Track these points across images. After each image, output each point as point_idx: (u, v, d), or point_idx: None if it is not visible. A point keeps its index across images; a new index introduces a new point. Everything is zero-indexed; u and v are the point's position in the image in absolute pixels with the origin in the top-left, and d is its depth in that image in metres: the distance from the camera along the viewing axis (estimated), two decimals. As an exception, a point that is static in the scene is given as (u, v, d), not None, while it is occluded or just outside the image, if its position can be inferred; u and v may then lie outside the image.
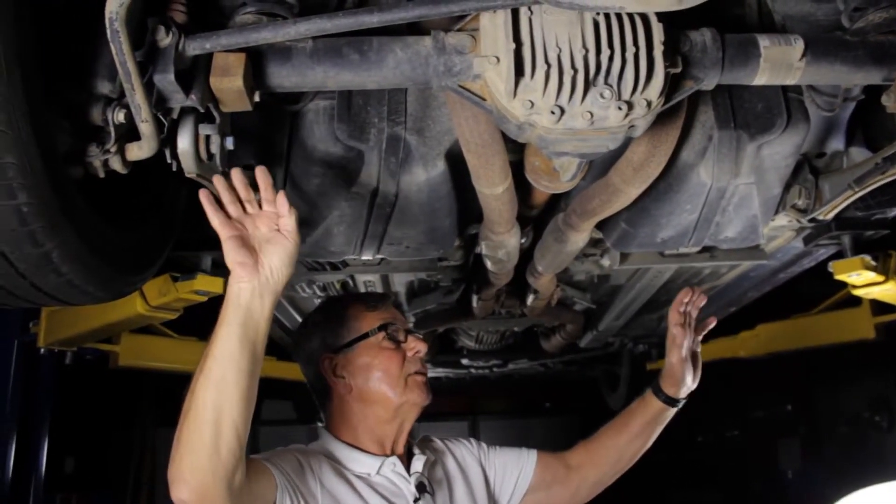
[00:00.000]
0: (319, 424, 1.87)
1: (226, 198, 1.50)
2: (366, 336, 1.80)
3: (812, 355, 4.73)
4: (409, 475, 1.79)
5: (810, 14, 1.96)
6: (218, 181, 1.52)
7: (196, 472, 1.35)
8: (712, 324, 2.22)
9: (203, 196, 1.47)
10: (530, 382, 7.94)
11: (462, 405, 8.96)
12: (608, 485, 2.16)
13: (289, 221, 1.51)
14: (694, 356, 2.12)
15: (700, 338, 2.16)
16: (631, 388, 6.38)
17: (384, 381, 1.76)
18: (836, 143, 2.42)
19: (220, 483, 1.36)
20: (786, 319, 4.51)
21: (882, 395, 6.37)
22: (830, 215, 2.43)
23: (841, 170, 2.41)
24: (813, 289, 4.29)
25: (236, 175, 1.52)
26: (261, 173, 1.53)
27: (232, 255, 1.45)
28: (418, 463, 1.82)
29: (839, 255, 2.91)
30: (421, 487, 1.76)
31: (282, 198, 1.52)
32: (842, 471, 6.19)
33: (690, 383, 2.10)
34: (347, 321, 1.82)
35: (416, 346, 1.83)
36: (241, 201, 1.51)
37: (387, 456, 1.79)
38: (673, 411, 2.13)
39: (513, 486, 2.04)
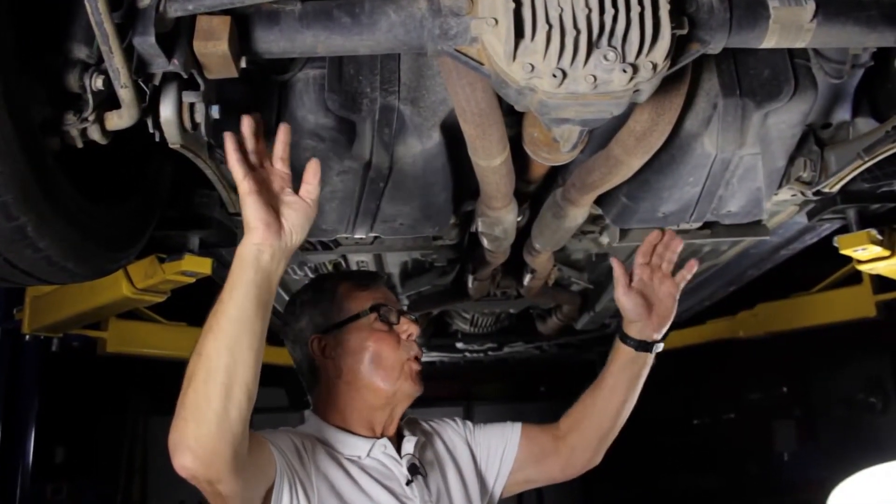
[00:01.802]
0: (306, 411, 1.83)
1: (249, 144, 1.44)
2: (357, 317, 1.75)
3: (807, 336, 4.70)
4: (401, 457, 1.75)
5: None
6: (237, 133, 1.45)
7: (202, 438, 1.28)
8: (693, 268, 2.03)
9: (228, 138, 1.40)
10: (526, 366, 7.90)
11: (456, 390, 8.91)
12: (599, 451, 2.07)
13: (314, 189, 1.48)
14: (666, 297, 1.96)
15: (681, 283, 1.99)
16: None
17: (376, 367, 1.72)
18: (843, 113, 2.34)
19: (227, 449, 1.30)
20: (785, 298, 4.46)
21: (877, 376, 6.38)
22: (837, 187, 2.37)
23: (847, 141, 2.35)
24: (812, 268, 4.25)
25: (248, 122, 1.45)
26: (283, 130, 1.50)
27: (256, 212, 1.39)
28: (409, 444, 1.78)
29: (842, 230, 2.85)
30: (413, 469, 1.73)
31: (314, 164, 1.50)
32: (837, 453, 6.21)
33: (656, 324, 1.94)
34: (338, 300, 1.77)
35: (409, 329, 1.78)
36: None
37: (377, 438, 1.75)
38: (648, 357, 1.98)
39: (499, 462, 2.00)
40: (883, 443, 5.91)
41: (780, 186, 2.45)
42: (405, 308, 1.96)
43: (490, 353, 6.46)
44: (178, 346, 4.64)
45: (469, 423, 2.06)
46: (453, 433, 2.00)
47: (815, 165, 2.36)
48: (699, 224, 2.69)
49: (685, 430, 9.20)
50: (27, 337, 3.95)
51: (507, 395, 9.32)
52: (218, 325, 1.33)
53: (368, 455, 1.71)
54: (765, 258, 3.68)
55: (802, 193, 2.46)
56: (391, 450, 1.74)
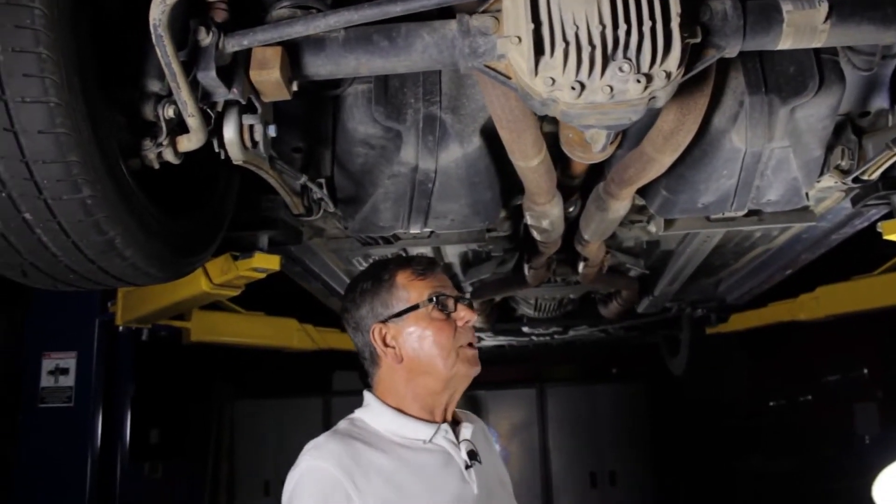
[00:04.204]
0: (365, 392, 1.88)
1: None
2: (416, 307, 1.79)
3: (889, 317, 4.63)
4: (459, 442, 1.79)
5: None
6: None
7: None
8: None
9: None
10: (594, 348, 7.98)
11: (528, 373, 9.04)
12: None
13: None
14: None
15: None
16: (692, 353, 6.37)
17: (435, 353, 1.76)
18: (881, 101, 2.37)
19: None
20: (846, 281, 4.44)
21: (963, 356, 6.22)
22: (875, 175, 2.40)
23: (886, 128, 2.39)
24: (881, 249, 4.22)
25: None
26: None
27: None
28: (467, 431, 1.82)
29: (890, 216, 2.87)
30: (472, 455, 1.77)
31: None
32: (922, 436, 6.09)
33: None
34: (397, 290, 1.81)
35: (466, 316, 1.82)
36: None
37: (437, 423, 1.79)
38: None
39: None
40: (970, 424, 5.79)
41: (821, 174, 2.50)
42: (463, 295, 1.99)
43: (556, 336, 6.56)
44: (256, 333, 4.94)
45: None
46: (490, 439, 2.02)
47: (853, 154, 2.40)
48: (743, 212, 2.75)
49: (761, 412, 9.11)
50: (120, 328, 4.33)
51: (578, 376, 9.39)
52: None
53: (432, 440, 1.75)
54: (818, 242, 3.70)
55: (842, 181, 2.50)
56: (451, 434, 1.78)
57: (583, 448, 8.62)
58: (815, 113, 2.15)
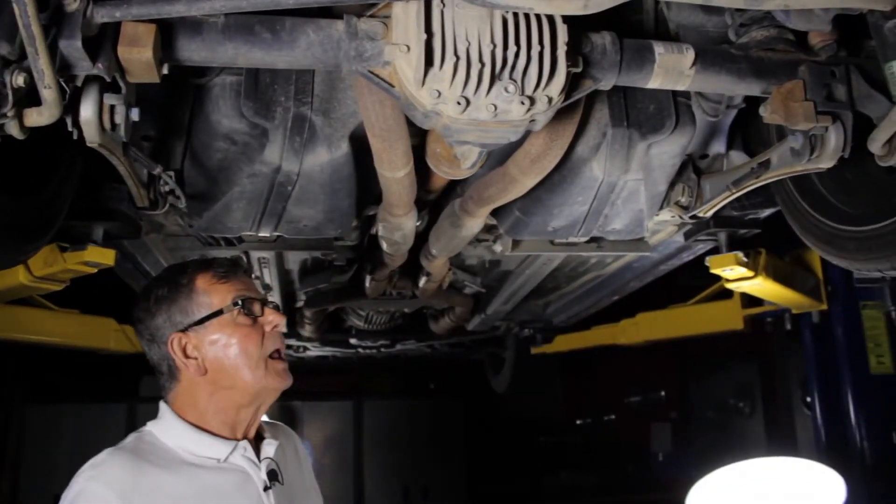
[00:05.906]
0: (161, 403, 1.69)
1: None
2: (219, 313, 1.63)
3: (685, 345, 5.00)
4: (260, 461, 1.66)
5: (701, 25, 2.10)
6: None
7: None
8: None
9: None
10: (417, 364, 8.05)
11: (347, 385, 8.97)
12: None
13: None
14: None
15: None
16: (515, 372, 6.58)
17: (242, 363, 1.62)
18: (718, 146, 2.58)
19: None
20: (663, 309, 4.75)
21: (746, 383, 6.86)
22: (709, 213, 2.59)
23: (721, 171, 2.58)
24: (693, 281, 4.54)
25: None
26: None
27: None
28: (269, 448, 1.69)
29: (715, 251, 3.11)
30: (272, 475, 1.65)
31: None
32: (708, 453, 6.62)
33: None
34: (197, 295, 1.64)
35: (275, 321, 1.69)
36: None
37: (237, 440, 1.66)
38: None
39: None
40: (749, 444, 6.38)
41: (660, 208, 2.66)
42: (268, 298, 1.82)
43: (382, 349, 6.53)
44: (70, 333, 4.50)
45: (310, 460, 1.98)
46: (302, 453, 1.92)
47: (692, 192, 2.57)
48: (586, 238, 2.86)
49: (568, 430, 9.61)
50: None
51: (397, 391, 9.44)
52: None
53: (227, 459, 1.61)
54: (646, 271, 3.96)
55: (680, 216, 2.66)
56: (250, 452, 1.65)
57: (397, 462, 8.64)
58: (667, 150, 2.28)
